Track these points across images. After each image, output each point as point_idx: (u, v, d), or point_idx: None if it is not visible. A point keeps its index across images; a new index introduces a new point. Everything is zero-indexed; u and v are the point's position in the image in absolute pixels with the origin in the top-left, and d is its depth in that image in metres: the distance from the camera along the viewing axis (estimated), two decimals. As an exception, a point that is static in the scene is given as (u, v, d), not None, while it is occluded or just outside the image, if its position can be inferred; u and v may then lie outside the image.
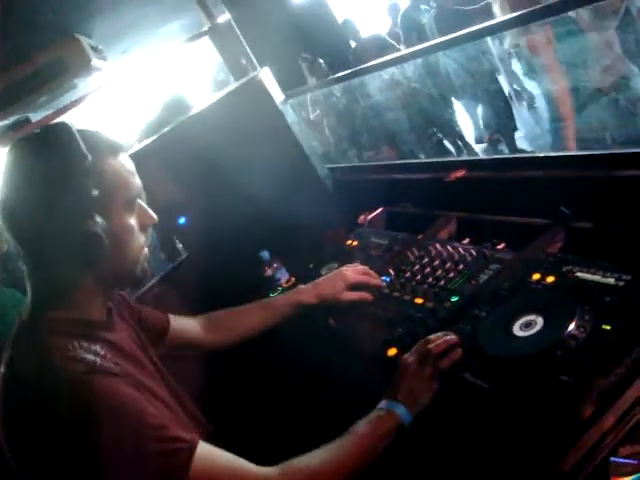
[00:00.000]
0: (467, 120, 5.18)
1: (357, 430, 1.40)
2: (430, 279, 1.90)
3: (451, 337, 1.50)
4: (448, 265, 1.91)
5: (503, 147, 4.01)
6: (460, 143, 4.28)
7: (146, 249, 1.47)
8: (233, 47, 3.35)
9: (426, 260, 2.01)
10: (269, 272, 2.60)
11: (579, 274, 1.50)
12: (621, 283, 1.38)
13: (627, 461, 1.12)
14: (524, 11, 1.72)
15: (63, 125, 1.33)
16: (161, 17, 3.24)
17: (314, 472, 1.33)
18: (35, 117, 3.40)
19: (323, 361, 1.93)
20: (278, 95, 2.80)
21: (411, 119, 3.21)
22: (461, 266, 1.87)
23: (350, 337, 1.89)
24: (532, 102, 3.30)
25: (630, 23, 2.58)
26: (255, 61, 3.30)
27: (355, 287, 1.99)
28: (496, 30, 1.98)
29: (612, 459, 1.13)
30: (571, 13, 2.19)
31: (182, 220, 2.82)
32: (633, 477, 1.09)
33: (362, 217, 2.70)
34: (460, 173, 2.25)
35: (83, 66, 2.83)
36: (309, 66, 5.91)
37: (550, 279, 1.54)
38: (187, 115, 2.88)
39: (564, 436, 1.15)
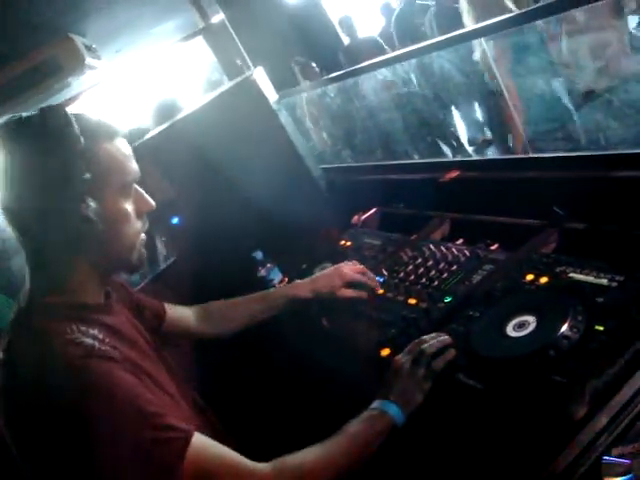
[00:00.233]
0: (460, 121, 5.19)
1: (350, 429, 1.40)
2: (423, 280, 1.90)
3: (444, 338, 1.51)
4: (441, 266, 1.91)
5: (496, 148, 4.02)
6: (455, 144, 4.29)
7: (143, 235, 1.44)
8: (227, 47, 3.35)
9: (419, 261, 2.01)
10: (262, 272, 2.60)
11: (572, 275, 1.50)
12: (614, 284, 1.39)
13: (620, 461, 1.12)
14: (521, 11, 1.73)
15: (57, 107, 1.30)
16: (155, 17, 3.24)
17: (307, 469, 1.33)
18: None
19: (317, 361, 1.93)
20: (272, 95, 2.80)
21: (405, 120, 3.22)
22: (454, 267, 1.87)
23: (344, 337, 1.89)
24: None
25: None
26: (249, 61, 3.30)
27: (351, 285, 1.99)
28: (490, 31, 1.98)
29: (604, 459, 1.13)
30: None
31: (175, 220, 2.82)
32: (625, 477, 1.09)
33: (356, 217, 2.70)
34: (454, 174, 2.26)
35: (77, 65, 2.83)
36: (302, 69, 5.92)
37: (543, 280, 1.55)
38: (180, 115, 2.87)
39: (557, 436, 1.15)
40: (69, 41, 2.85)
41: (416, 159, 3.32)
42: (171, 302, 1.89)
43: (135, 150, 1.43)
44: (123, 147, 1.39)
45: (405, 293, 1.89)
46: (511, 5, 4.11)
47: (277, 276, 2.60)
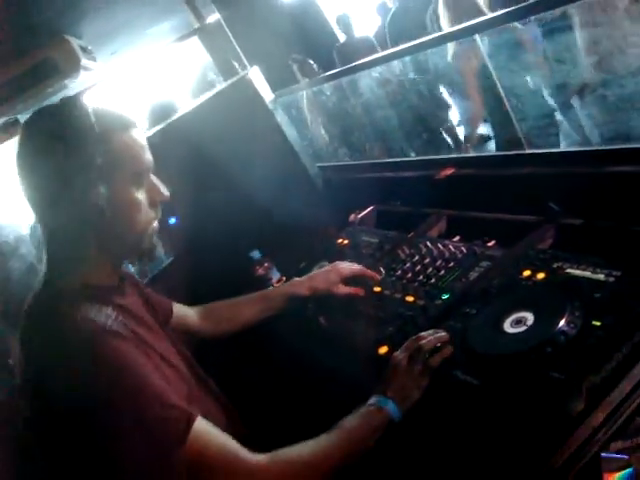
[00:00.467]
0: (457, 117, 5.20)
1: (346, 424, 1.41)
2: (421, 277, 1.90)
3: (442, 334, 1.51)
4: (438, 263, 1.91)
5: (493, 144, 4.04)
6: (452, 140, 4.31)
7: (155, 224, 1.49)
8: (223, 47, 3.35)
9: (417, 258, 2.01)
10: (260, 272, 2.60)
11: (569, 270, 1.50)
12: (611, 279, 1.38)
13: (618, 456, 1.12)
14: (518, 6, 1.73)
15: (74, 98, 1.38)
16: (151, 18, 3.24)
17: (302, 462, 1.34)
18: (24, 118, 3.39)
19: (314, 359, 1.93)
20: (268, 94, 2.80)
21: (401, 117, 3.22)
22: (451, 264, 1.87)
23: (341, 336, 1.89)
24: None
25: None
26: (245, 60, 3.30)
27: (349, 283, 2.00)
28: (485, 27, 1.98)
29: (603, 455, 1.13)
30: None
31: (172, 220, 2.82)
32: (624, 472, 1.09)
33: (353, 216, 2.70)
34: (450, 171, 2.26)
35: (73, 67, 2.82)
36: (300, 67, 5.92)
37: (540, 276, 1.55)
38: (177, 115, 2.87)
39: (555, 432, 1.15)
40: (65, 43, 2.84)
41: (412, 156, 3.33)
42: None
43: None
44: (138, 137, 1.43)
45: (402, 290, 1.89)
46: (485, 9, 4.23)
47: (275, 275, 2.60)
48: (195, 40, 3.45)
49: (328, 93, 3.31)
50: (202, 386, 1.60)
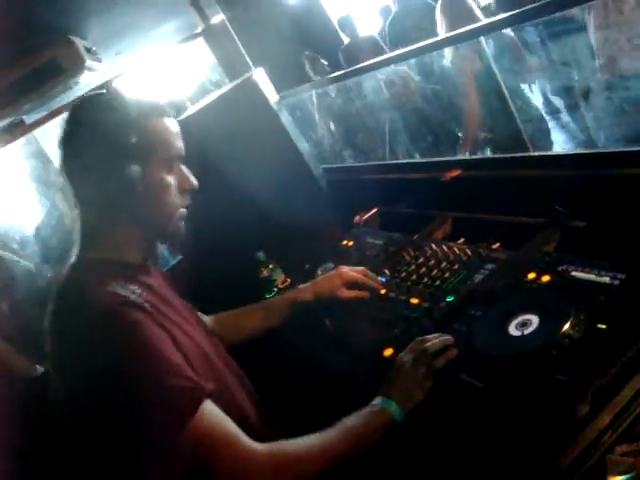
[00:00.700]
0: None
1: (347, 422, 1.42)
2: (425, 279, 1.90)
3: (447, 337, 1.51)
4: (443, 265, 1.91)
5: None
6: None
7: (183, 210, 1.57)
8: (227, 48, 3.35)
9: (421, 260, 2.01)
10: (265, 273, 2.60)
11: (574, 273, 1.50)
12: (616, 282, 1.38)
13: (623, 459, 1.12)
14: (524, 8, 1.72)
15: (115, 87, 1.54)
16: (155, 19, 3.23)
17: (300, 455, 1.36)
18: (29, 119, 3.39)
19: (320, 362, 1.93)
20: (273, 95, 2.80)
21: (405, 119, 3.22)
22: (456, 266, 1.87)
23: (346, 338, 1.89)
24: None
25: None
26: (249, 62, 3.30)
27: (353, 287, 1.99)
28: (491, 29, 1.98)
29: (608, 457, 1.13)
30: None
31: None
32: (628, 475, 1.09)
33: (357, 217, 2.70)
34: (455, 173, 2.26)
35: (77, 68, 2.83)
36: (311, 64, 5.92)
37: (545, 278, 1.55)
38: (181, 116, 2.87)
39: (560, 435, 1.15)
40: (70, 44, 2.84)
41: (417, 158, 3.33)
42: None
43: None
44: (171, 125, 1.54)
45: (407, 293, 1.89)
46: (481, 15, 4.32)
47: (279, 277, 2.60)
48: (201, 41, 3.45)
49: (333, 95, 3.31)
50: (231, 373, 1.64)
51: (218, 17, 3.39)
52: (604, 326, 1.27)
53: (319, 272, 2.32)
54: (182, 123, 2.79)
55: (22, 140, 3.93)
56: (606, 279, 1.41)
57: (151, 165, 1.47)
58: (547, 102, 3.71)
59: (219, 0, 3.35)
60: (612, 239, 1.62)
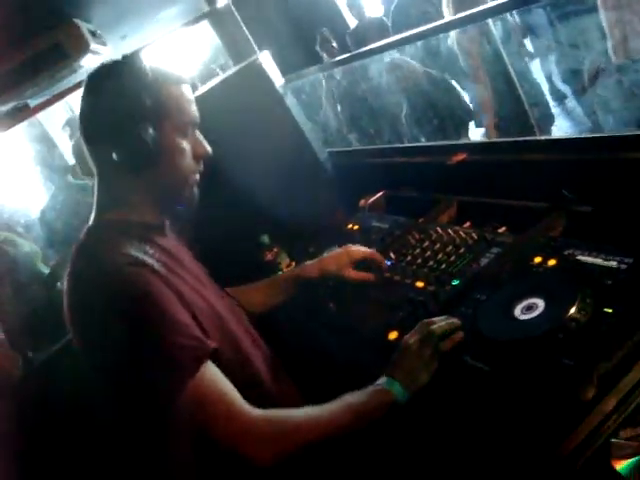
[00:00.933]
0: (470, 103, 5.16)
1: (347, 398, 1.43)
2: (431, 263, 1.90)
3: (453, 320, 1.51)
4: (449, 249, 1.91)
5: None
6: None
7: (197, 175, 1.62)
8: (233, 31, 3.33)
9: (427, 244, 2.01)
10: (269, 257, 2.60)
11: (580, 257, 1.49)
12: (623, 266, 1.38)
13: (628, 443, 1.12)
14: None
15: (135, 54, 1.55)
16: (161, 2, 3.22)
17: (293, 424, 1.38)
18: (34, 103, 3.38)
19: (324, 345, 1.93)
20: (278, 79, 2.78)
21: (411, 102, 3.20)
22: (462, 249, 1.87)
23: (351, 321, 1.89)
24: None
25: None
26: (255, 45, 3.28)
27: (359, 268, 1.98)
28: (498, 12, 1.96)
29: (613, 441, 1.13)
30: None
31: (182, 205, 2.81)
32: (634, 459, 1.09)
33: (362, 201, 2.70)
34: (461, 157, 2.24)
35: (82, 51, 2.81)
36: (321, 42, 5.88)
37: (551, 262, 1.54)
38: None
39: (565, 419, 1.15)
40: (74, 27, 2.83)
41: (423, 142, 3.32)
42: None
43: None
44: (186, 92, 1.58)
45: (412, 276, 1.88)
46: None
47: (284, 260, 2.60)
48: (206, 24, 3.43)
49: (338, 77, 3.29)
50: (250, 340, 1.67)
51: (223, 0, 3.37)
52: (610, 310, 1.27)
53: (325, 255, 2.31)
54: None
55: (26, 123, 3.93)
56: (613, 263, 1.40)
57: (165, 128, 1.50)
58: (553, 86, 3.69)
59: (224, -18, 3.32)
60: (619, 224, 1.61)
